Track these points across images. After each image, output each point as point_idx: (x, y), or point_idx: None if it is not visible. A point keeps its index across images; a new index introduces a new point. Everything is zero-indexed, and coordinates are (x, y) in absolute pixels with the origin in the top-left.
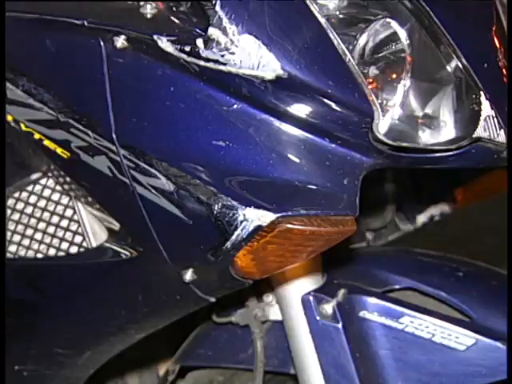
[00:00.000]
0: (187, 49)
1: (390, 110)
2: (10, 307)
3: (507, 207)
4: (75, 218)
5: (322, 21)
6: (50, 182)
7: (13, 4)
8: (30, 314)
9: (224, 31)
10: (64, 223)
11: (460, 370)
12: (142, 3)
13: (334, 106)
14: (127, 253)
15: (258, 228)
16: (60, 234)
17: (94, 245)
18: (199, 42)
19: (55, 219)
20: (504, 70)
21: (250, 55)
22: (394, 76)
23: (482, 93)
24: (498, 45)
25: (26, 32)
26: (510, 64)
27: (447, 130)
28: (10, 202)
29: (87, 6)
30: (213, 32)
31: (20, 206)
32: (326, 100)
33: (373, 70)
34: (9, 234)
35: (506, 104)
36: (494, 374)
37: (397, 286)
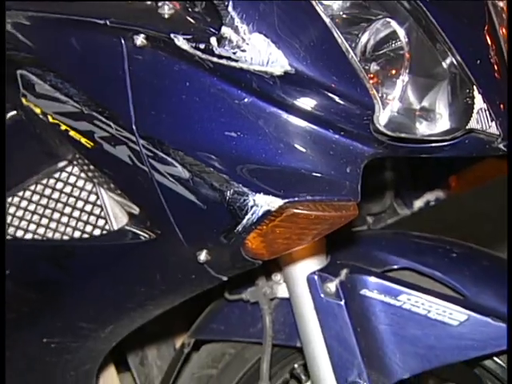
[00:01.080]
0: (202, 46)
1: (390, 103)
2: (38, 285)
3: (507, 198)
4: (98, 202)
5: (327, 20)
6: (76, 170)
7: (39, 4)
8: (56, 291)
9: (236, 30)
10: (88, 208)
11: (453, 344)
12: (160, 4)
13: (337, 99)
14: (146, 235)
15: (267, 213)
16: (84, 217)
17: (116, 227)
18: (213, 40)
19: (80, 204)
20: (496, 66)
21: (260, 52)
22: (394, 72)
23: (474, 87)
24: (490, 43)
25: (52, 31)
26: (511, 63)
27: (442, 122)
28: (39, 188)
29: (109, 6)
30: (225, 31)
31: (48, 191)
32: (330, 94)
33: (374, 66)
34: (37, 217)
35: (498, 98)
36: (484, 348)
37: (395, 266)
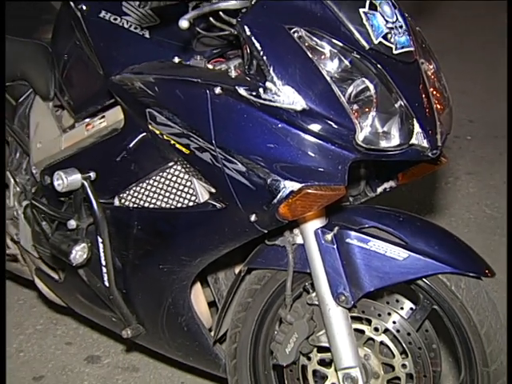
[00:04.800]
0: (254, 93)
1: (365, 128)
2: (156, 234)
3: (507, 199)
4: (192, 186)
5: (328, 79)
6: (179, 167)
7: (158, 70)
8: (167, 238)
9: (274, 84)
10: (186, 189)
11: (399, 271)
12: (229, 69)
13: (333, 125)
14: (220, 205)
15: (291, 192)
16: (183, 195)
17: (202, 201)
18: (261, 90)
19: (181, 187)
20: (427, 109)
21: (288, 97)
22: (367, 110)
23: (414, 119)
24: (423, 95)
25: (166, 85)
26: (510, 71)
27: (395, 140)
28: (158, 178)
29: (199, 71)
30: (268, 84)
31: (163, 180)
32: (329, 122)
33: (355, 106)
34: (156, 195)
35: (428, 126)
36: (417, 273)
37: (366, 225)
